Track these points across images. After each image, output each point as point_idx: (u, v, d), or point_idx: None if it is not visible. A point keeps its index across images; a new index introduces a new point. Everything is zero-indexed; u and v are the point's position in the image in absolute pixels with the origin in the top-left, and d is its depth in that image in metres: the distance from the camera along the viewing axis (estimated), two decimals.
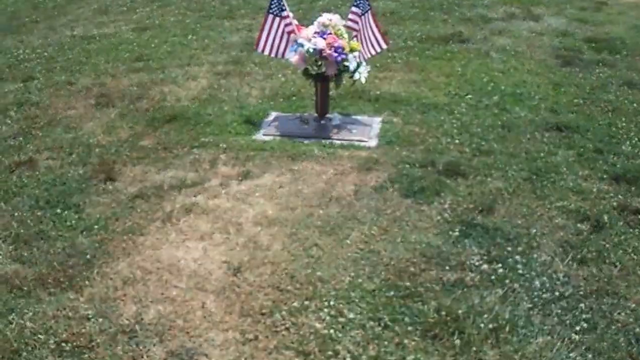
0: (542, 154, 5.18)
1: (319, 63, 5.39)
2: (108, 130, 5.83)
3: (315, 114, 5.86)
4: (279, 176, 4.93)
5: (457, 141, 5.39)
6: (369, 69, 5.58)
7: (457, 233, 4.22)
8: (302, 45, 5.43)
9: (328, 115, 5.84)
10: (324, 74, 5.49)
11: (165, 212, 4.56)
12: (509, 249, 4.08)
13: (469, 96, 6.30)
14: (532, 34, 8.19)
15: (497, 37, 8.07)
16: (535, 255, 4.03)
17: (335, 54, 5.35)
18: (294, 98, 6.33)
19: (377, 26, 5.65)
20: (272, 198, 4.64)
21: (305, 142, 5.46)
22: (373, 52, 5.73)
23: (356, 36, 5.57)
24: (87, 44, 8.32)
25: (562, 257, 4.01)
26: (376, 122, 5.81)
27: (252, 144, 5.42)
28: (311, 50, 5.36)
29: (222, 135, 5.58)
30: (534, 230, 4.26)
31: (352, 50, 5.50)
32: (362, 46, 5.60)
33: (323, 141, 5.49)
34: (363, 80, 5.53)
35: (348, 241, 4.17)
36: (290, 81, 6.65)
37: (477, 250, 4.07)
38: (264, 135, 5.66)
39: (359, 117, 5.94)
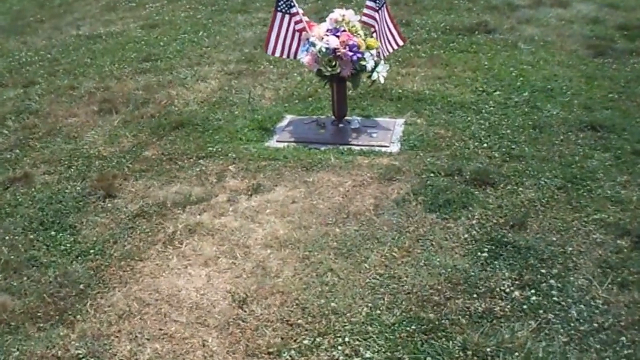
0: (576, 158, 4.75)
1: (333, 63, 5.00)
2: (110, 140, 5.49)
3: (333, 117, 5.42)
4: (292, 189, 4.55)
5: (485, 145, 4.97)
6: (388, 68, 5.19)
7: (485, 254, 3.82)
8: (313, 45, 5.03)
9: (347, 118, 5.45)
10: (339, 75, 5.06)
11: (167, 234, 4.21)
12: (543, 271, 3.69)
13: (497, 93, 5.87)
14: (561, 21, 7.70)
15: (525, 26, 7.60)
16: (571, 279, 3.64)
17: (351, 53, 4.96)
18: (310, 99, 5.94)
19: (392, 22, 5.23)
20: (283, 215, 4.27)
21: (322, 148, 5.11)
22: (390, 50, 5.30)
23: (374, 32, 5.14)
24: (92, 44, 8.01)
25: (601, 280, 3.62)
26: (399, 124, 5.45)
27: (264, 153, 5.05)
28: (324, 49, 4.98)
29: (232, 143, 5.23)
30: (570, 249, 3.86)
31: (368, 48, 5.08)
32: (381, 43, 5.17)
33: (341, 147, 5.13)
34: (382, 80, 5.14)
35: (366, 265, 3.80)
36: (306, 81, 6.28)
37: (508, 274, 3.67)
38: (277, 141, 5.30)
39: (380, 119, 5.58)
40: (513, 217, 4.14)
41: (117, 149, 5.35)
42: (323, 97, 5.83)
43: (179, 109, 5.97)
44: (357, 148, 5.11)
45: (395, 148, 5.07)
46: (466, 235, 4.01)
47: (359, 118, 5.47)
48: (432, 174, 4.63)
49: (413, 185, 4.50)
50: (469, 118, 5.44)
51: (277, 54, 5.35)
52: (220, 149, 5.16)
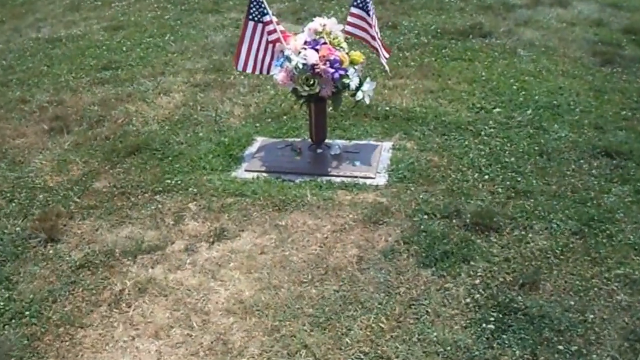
0: (591, 194, 4.10)
1: (311, 82, 4.27)
2: (58, 167, 4.78)
3: (310, 141, 4.77)
4: (261, 236, 3.86)
5: (486, 176, 4.30)
6: (374, 86, 4.47)
7: (492, 325, 3.16)
8: (289, 60, 4.30)
9: (326, 142, 4.77)
10: (318, 95, 4.34)
11: (113, 292, 3.52)
12: (560, 347, 3.09)
13: (497, 110, 5.19)
14: (562, 24, 7.04)
15: (523, 28, 6.93)
16: (594, 356, 2.97)
17: (332, 70, 4.27)
18: (285, 118, 5.24)
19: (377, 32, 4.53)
20: (250, 271, 3.58)
21: (297, 180, 4.46)
22: (384, 62, 4.58)
23: (366, 40, 4.48)
24: (51, 49, 7.25)
25: (630, 358, 2.93)
26: (385, 149, 4.81)
27: (230, 186, 4.35)
28: (300, 66, 4.24)
29: (194, 174, 4.54)
30: (591, 316, 3.24)
31: (353, 63, 4.39)
32: (378, 51, 4.60)
33: (319, 179, 4.46)
34: (367, 100, 4.48)
35: (348, 340, 3.14)
36: (281, 95, 5.59)
37: (519, 352, 3.04)
38: (246, 171, 4.59)
39: (364, 142, 4.92)
40: (522, 273, 3.47)
41: (65, 178, 4.64)
42: (299, 116, 5.14)
43: (137, 128, 5.23)
44: (338, 180, 4.44)
45: (382, 180, 4.39)
46: (468, 300, 3.33)
47: (340, 142, 4.75)
48: (425, 216, 3.94)
49: (404, 231, 3.81)
50: (466, 142, 4.75)
51: (249, 70, 4.65)
52: (179, 182, 4.46)
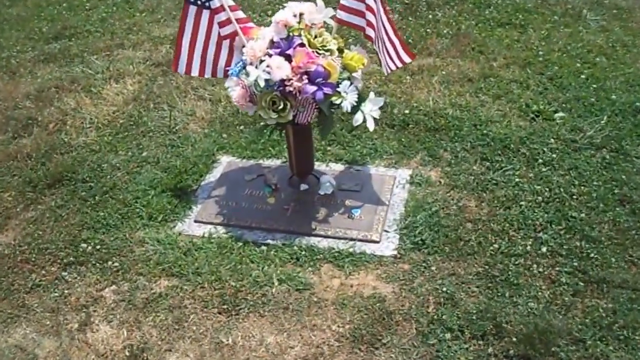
0: None
1: (280, 106, 2.61)
2: None
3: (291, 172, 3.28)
4: None
5: (544, 247, 2.76)
6: (381, 103, 2.91)
7: None
8: (246, 74, 2.64)
9: (316, 170, 3.32)
10: (294, 122, 2.70)
11: None
12: None
13: (560, 115, 3.55)
14: None
15: None
16: None
17: (312, 88, 2.67)
18: (261, 123, 3.56)
19: (392, 26, 2.80)
20: None
21: (264, 245, 3.00)
22: (392, 68, 2.97)
23: (365, 33, 2.95)
24: (7, 7, 5.62)
25: None
26: (400, 183, 3.29)
27: (168, 256, 2.98)
28: (261, 83, 2.58)
29: (123, 229, 3.17)
30: None
31: (348, 70, 2.86)
32: (380, 55, 2.94)
33: (297, 241, 2.99)
34: (371, 127, 2.89)
35: None
36: None
37: None
38: (196, 221, 3.03)
39: (369, 170, 3.39)
40: None
41: None
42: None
43: (68, 139, 3.79)
44: (325, 244, 2.98)
45: (389, 246, 2.93)
46: None
47: (331, 178, 3.15)
48: (447, 334, 2.36)
49: None
50: (516, 175, 3.26)
51: (194, 73, 3.11)
52: (100, 246, 3.08)
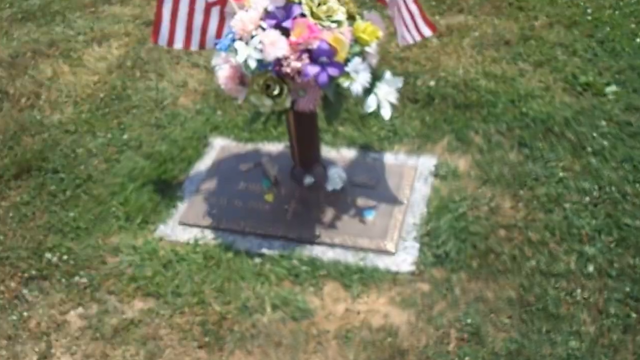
0: None
1: (276, 91, 2.15)
2: None
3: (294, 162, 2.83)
4: None
5: (591, 266, 2.38)
6: (400, 84, 2.37)
7: None
8: (234, 51, 2.14)
9: (324, 159, 2.84)
10: (293, 109, 2.34)
11: None
12: None
13: (612, 89, 3.06)
14: None
15: None
16: None
17: (314, 69, 2.22)
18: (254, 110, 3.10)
19: None
20: None
21: (262, 255, 2.58)
22: (410, 41, 2.57)
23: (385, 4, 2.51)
24: None
25: None
26: (422, 176, 2.83)
27: (145, 269, 2.57)
28: (252, 64, 2.11)
29: (95, 233, 2.73)
30: None
31: (360, 44, 2.33)
32: (396, 25, 2.51)
33: (297, 251, 2.55)
34: (387, 114, 2.38)
35: None
36: None
37: None
38: (181, 224, 2.64)
39: (386, 159, 2.93)
40: None
41: None
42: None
43: (41, 117, 3.34)
44: (331, 254, 2.55)
45: (407, 259, 2.49)
46: None
47: (341, 170, 2.73)
48: None
49: None
50: (560, 167, 2.76)
51: (178, 45, 2.67)
52: (67, 254, 2.66)
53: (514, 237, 2.48)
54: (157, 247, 2.61)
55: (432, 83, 3.24)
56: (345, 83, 2.29)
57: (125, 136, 3.19)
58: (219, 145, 3.09)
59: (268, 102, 2.31)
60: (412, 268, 2.43)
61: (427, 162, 2.87)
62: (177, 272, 2.49)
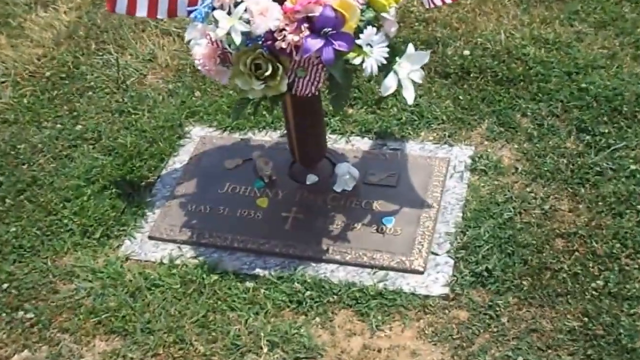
0: None
1: (268, 71, 2.20)
2: None
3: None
4: None
5: None
6: (426, 59, 2.36)
7: None
8: (213, 21, 2.18)
9: (332, 157, 2.90)
10: (293, 93, 2.35)
11: None
12: None
13: None
14: None
15: None
16: None
17: (316, 44, 2.19)
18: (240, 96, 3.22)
19: None
20: None
21: (255, 276, 2.59)
22: (438, 2, 2.58)
23: None
24: None
25: None
26: (455, 170, 2.85)
27: (105, 300, 2.66)
28: (237, 39, 2.17)
29: (44, 249, 2.77)
30: None
31: (375, 9, 2.31)
32: None
33: (299, 273, 2.56)
34: (410, 97, 2.35)
35: None
36: None
37: None
38: (151, 237, 2.78)
39: (409, 150, 2.95)
40: None
41: None
42: None
43: None
44: (341, 275, 2.55)
45: (439, 279, 2.49)
46: None
47: (352, 166, 2.78)
48: None
49: None
50: (632, 160, 2.76)
51: (141, 13, 2.71)
52: (9, 281, 2.68)
53: (574, 249, 2.48)
54: (122, 269, 2.64)
55: (466, 52, 3.28)
56: (356, 60, 2.26)
57: (78, 127, 3.26)
58: (198, 136, 3.14)
59: (258, 85, 2.32)
60: (446, 291, 2.43)
61: (462, 154, 2.90)
62: (148, 303, 2.51)
